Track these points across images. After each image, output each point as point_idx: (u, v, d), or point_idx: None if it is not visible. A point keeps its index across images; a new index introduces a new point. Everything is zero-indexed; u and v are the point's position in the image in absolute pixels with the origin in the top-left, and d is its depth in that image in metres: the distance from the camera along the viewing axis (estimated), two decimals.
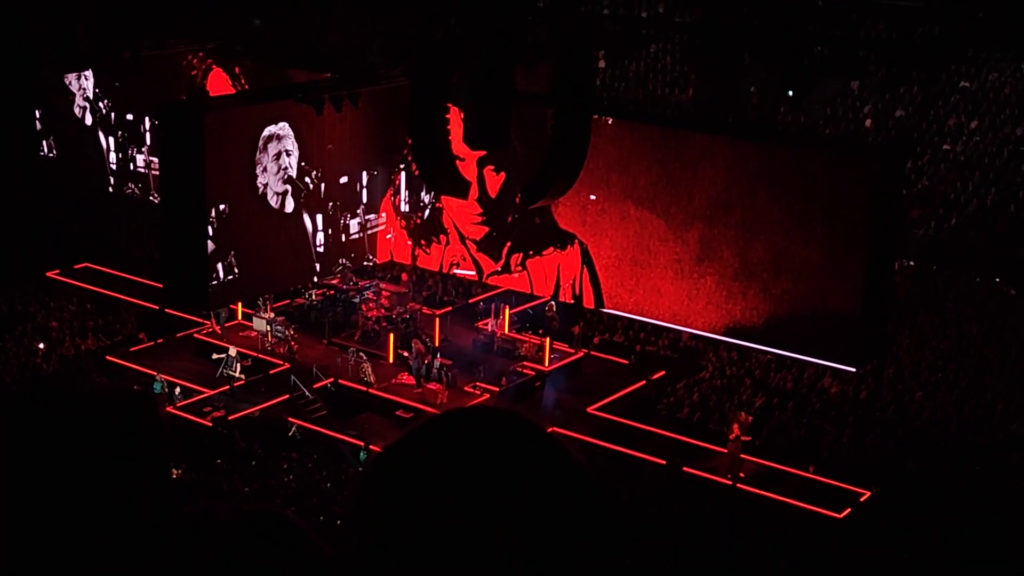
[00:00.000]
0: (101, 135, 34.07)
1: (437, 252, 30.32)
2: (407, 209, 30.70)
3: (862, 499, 24.03)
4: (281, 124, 27.20)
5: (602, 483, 1.74)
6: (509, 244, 29.18)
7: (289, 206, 27.89)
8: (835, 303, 24.15)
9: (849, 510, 23.74)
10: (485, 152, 28.04)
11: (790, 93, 30.92)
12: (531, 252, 28.97)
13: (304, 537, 2.08)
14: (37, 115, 34.62)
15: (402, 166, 30.28)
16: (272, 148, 27.14)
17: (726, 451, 24.94)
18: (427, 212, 30.30)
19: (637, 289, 27.13)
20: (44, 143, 35.09)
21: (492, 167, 28.67)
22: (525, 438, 1.73)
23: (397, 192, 30.61)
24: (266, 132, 26.95)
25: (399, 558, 1.67)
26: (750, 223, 25.02)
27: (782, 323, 25.02)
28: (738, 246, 25.26)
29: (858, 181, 23.54)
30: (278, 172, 27.34)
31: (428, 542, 1.66)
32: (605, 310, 28.27)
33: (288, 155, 27.49)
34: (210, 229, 26.01)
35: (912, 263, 32.39)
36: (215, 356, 28.05)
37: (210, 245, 26.04)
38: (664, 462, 25.05)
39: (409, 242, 30.69)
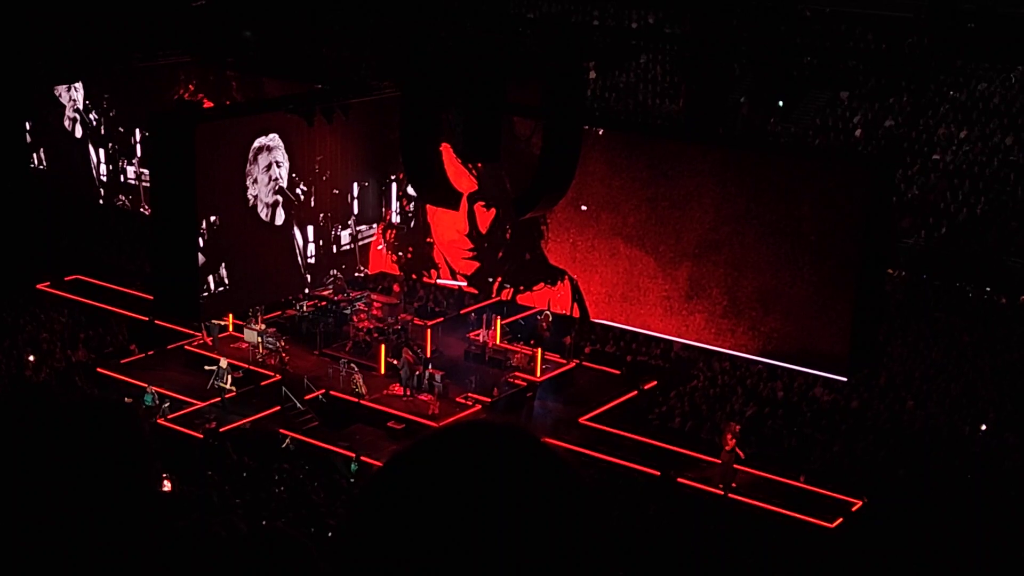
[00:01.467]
0: (91, 147, 34.03)
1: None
2: (398, 220, 30.77)
3: (854, 508, 24.04)
4: (271, 135, 27.21)
5: (602, 498, 1.75)
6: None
7: (280, 218, 27.89)
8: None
9: (841, 520, 23.74)
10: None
11: (780, 104, 31.06)
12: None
13: (304, 553, 2.08)
14: (28, 127, 34.58)
15: (393, 177, 30.33)
16: (262, 160, 27.13)
17: (719, 461, 24.94)
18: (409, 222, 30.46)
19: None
20: (34, 155, 35.04)
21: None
22: (526, 453, 1.74)
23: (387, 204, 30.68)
24: (256, 143, 26.96)
25: (398, 570, 1.67)
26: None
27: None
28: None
29: (846, 206, 23.64)
30: (268, 183, 27.35)
31: (427, 555, 1.65)
32: (597, 320, 28.35)
33: (278, 166, 27.49)
34: (201, 241, 26.00)
35: (903, 272, 32.46)
36: (207, 368, 28.00)
37: (201, 257, 26.03)
38: (659, 473, 25.04)
39: (388, 252, 30.82)
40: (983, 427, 24.53)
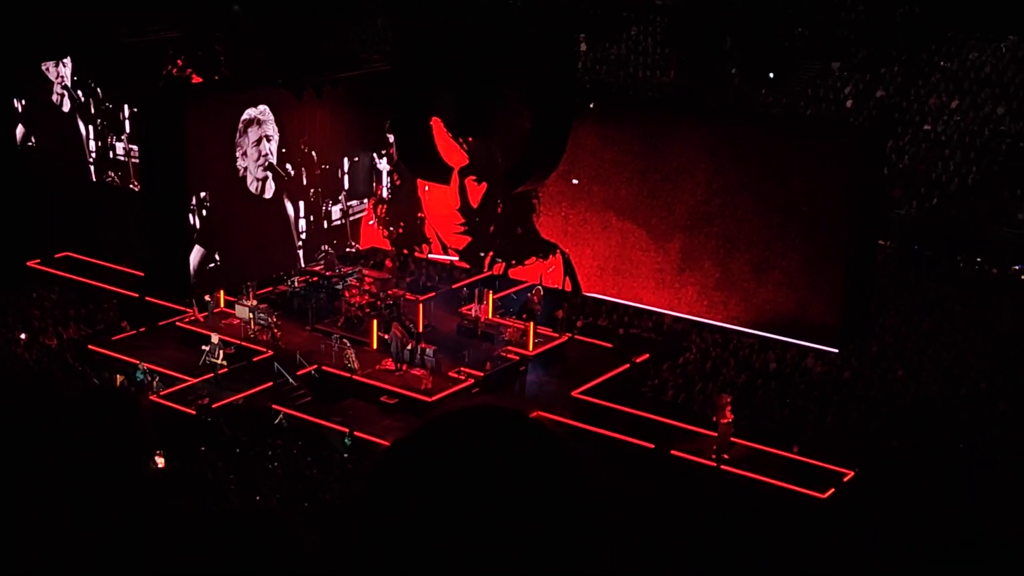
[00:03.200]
0: (80, 123, 33.88)
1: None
2: (387, 195, 30.73)
3: (846, 479, 24.13)
4: (261, 107, 27.07)
5: (603, 481, 1.75)
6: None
7: (269, 192, 27.81)
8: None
9: (833, 490, 23.83)
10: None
11: (771, 75, 30.95)
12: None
13: (291, 533, 2.07)
14: (15, 104, 34.41)
15: (383, 152, 30.26)
16: (252, 133, 27.02)
17: (716, 434, 24.99)
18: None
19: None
20: (23, 132, 34.88)
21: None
22: (529, 437, 1.74)
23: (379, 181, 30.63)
24: (245, 115, 26.83)
25: (402, 554, 1.66)
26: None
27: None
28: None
29: (837, 177, 23.61)
30: (258, 159, 27.25)
31: (431, 541, 1.65)
32: (589, 294, 28.37)
33: (268, 140, 27.39)
34: (192, 217, 25.94)
35: (894, 243, 32.48)
36: (204, 348, 27.95)
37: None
38: (652, 446, 25.09)
39: (379, 227, 30.82)
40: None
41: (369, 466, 1.78)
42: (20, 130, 34.81)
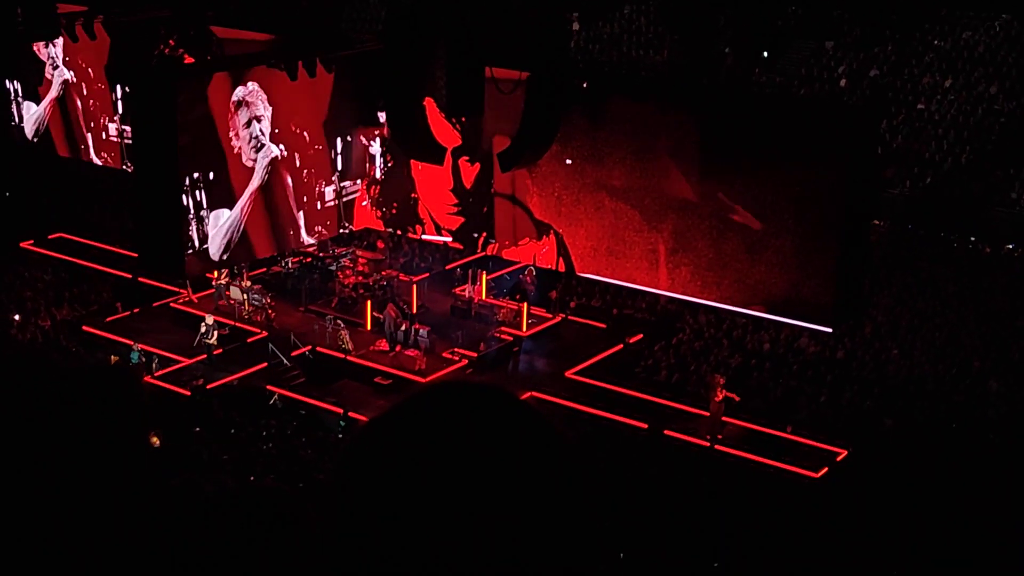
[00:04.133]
0: (70, 105, 33.77)
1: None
2: (380, 176, 30.69)
3: (839, 458, 24.20)
4: (250, 85, 26.99)
5: (587, 455, 1.74)
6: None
7: (262, 174, 27.77)
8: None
9: (826, 469, 23.90)
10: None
11: (764, 54, 30.89)
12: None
13: (298, 511, 2.07)
14: (8, 85, 34.29)
15: (376, 132, 30.21)
16: (243, 115, 26.97)
17: (709, 413, 25.05)
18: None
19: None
20: (16, 112, 34.77)
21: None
22: (506, 412, 1.73)
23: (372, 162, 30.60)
24: (235, 96, 26.77)
25: (381, 531, 1.66)
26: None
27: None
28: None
29: (830, 157, 23.60)
30: (250, 140, 27.20)
31: (410, 516, 1.65)
32: (583, 274, 28.40)
33: (259, 121, 27.32)
34: (185, 197, 25.90)
35: (888, 223, 32.51)
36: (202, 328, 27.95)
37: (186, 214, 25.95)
38: (646, 426, 25.14)
39: (372, 207, 30.81)
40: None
41: (344, 445, 1.77)
42: (29, 111, 34.61)
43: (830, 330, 26.50)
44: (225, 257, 27.83)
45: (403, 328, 27.66)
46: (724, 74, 27.06)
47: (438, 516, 1.64)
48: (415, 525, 1.65)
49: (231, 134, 26.72)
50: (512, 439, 1.70)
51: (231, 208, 27.20)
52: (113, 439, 2.01)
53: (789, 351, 27.82)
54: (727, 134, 24.94)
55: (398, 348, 27.39)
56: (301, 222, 29.19)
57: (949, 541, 20.75)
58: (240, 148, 27.10)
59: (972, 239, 32.40)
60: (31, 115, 34.59)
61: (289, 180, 28.56)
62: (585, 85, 26.91)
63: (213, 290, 29.62)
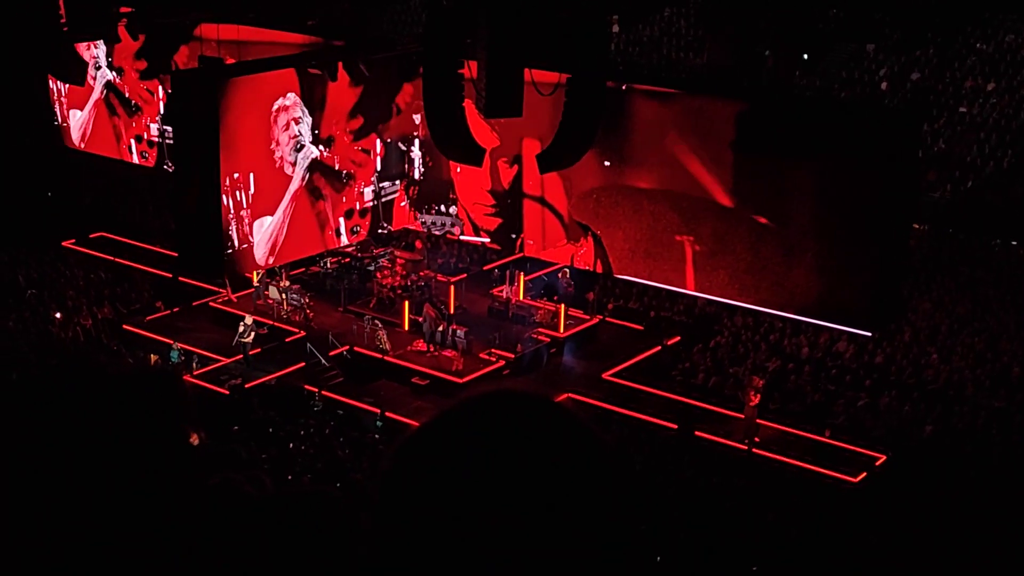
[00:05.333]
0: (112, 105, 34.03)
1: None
2: (419, 176, 30.76)
3: (878, 463, 24.05)
4: (288, 95, 27.20)
5: (628, 461, 1.75)
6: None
7: (302, 175, 27.89)
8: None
9: (865, 474, 23.76)
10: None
11: (805, 56, 30.73)
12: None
13: (338, 513, 2.09)
14: (52, 85, 34.59)
15: (415, 134, 30.28)
16: (282, 119, 27.16)
17: (743, 416, 24.96)
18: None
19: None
20: (59, 112, 35.08)
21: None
22: (550, 421, 1.74)
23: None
24: (275, 105, 26.98)
25: (427, 538, 1.68)
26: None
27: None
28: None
29: (871, 160, 23.43)
30: (289, 143, 27.36)
31: (456, 523, 1.66)
32: (620, 276, 28.35)
33: (297, 123, 27.46)
34: (225, 197, 26.06)
35: (928, 226, 32.26)
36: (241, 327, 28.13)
37: (226, 213, 26.10)
38: (676, 426, 25.08)
39: (411, 208, 30.89)
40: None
41: (392, 450, 1.78)
42: (75, 117, 34.87)
43: (869, 334, 26.32)
44: (271, 261, 28.09)
45: (440, 328, 27.72)
46: (765, 77, 26.94)
47: (484, 525, 1.65)
48: (461, 532, 1.65)
49: (272, 144, 26.91)
50: (559, 449, 1.71)
51: (272, 214, 27.39)
52: (157, 442, 2.05)
53: (827, 355, 27.67)
54: (767, 137, 24.81)
55: (434, 349, 27.44)
56: (340, 223, 29.31)
57: (988, 548, 20.57)
58: (281, 154, 27.26)
59: (1013, 243, 32.08)
60: (76, 120, 34.88)
61: (328, 181, 28.67)
62: (624, 87, 26.86)
63: (252, 290, 29.81)
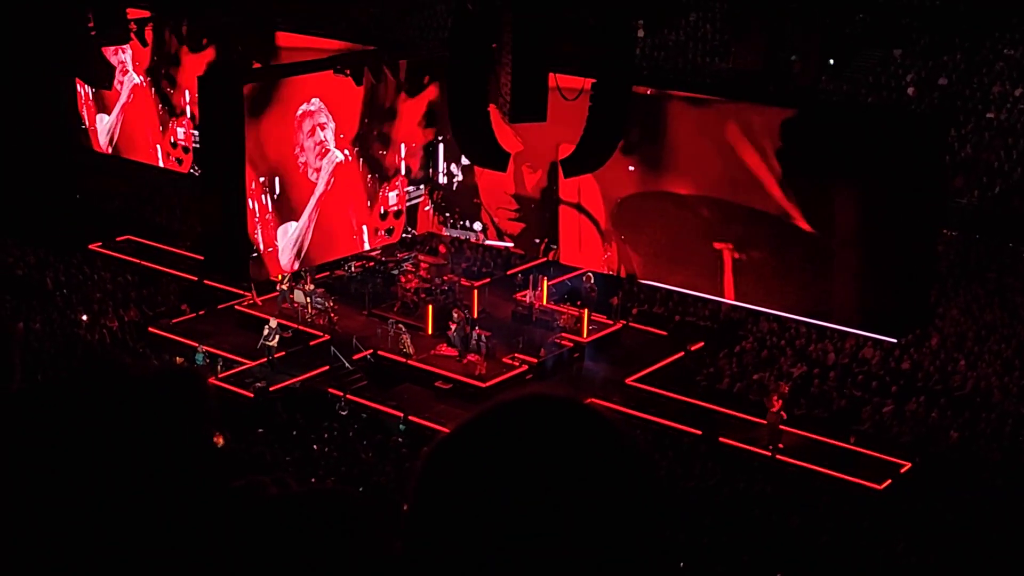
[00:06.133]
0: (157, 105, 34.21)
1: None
2: (444, 181, 30.80)
3: (903, 470, 23.92)
4: (313, 100, 27.29)
5: (660, 471, 1.74)
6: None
7: (327, 179, 27.97)
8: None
9: (890, 481, 23.64)
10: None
11: (831, 61, 30.65)
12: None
13: (365, 515, 2.07)
14: (79, 88, 34.80)
15: (440, 137, 30.32)
16: (307, 125, 27.26)
17: (766, 422, 24.87)
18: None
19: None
20: (86, 116, 35.29)
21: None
22: (586, 425, 1.72)
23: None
24: (299, 111, 27.07)
25: (458, 545, 1.67)
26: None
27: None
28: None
29: (898, 165, 23.33)
30: (314, 148, 27.45)
31: (488, 530, 1.65)
32: (645, 281, 28.31)
33: (323, 128, 27.55)
34: (251, 201, 26.16)
35: (955, 233, 32.07)
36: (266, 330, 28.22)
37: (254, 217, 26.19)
38: (699, 432, 25.02)
39: (435, 213, 30.94)
40: None
41: (427, 453, 1.77)
42: (102, 122, 35.05)
43: (895, 340, 26.19)
44: (297, 266, 28.19)
45: (466, 332, 27.74)
46: (791, 81, 26.88)
47: (519, 531, 1.64)
48: (496, 537, 1.64)
49: (296, 149, 27.01)
50: (597, 456, 1.70)
51: (297, 219, 27.48)
52: (179, 442, 2.04)
53: (854, 361, 27.55)
54: (793, 141, 24.76)
55: (465, 354, 27.45)
56: (364, 227, 29.37)
57: (1014, 555, 20.43)
58: (305, 160, 27.36)
59: None
60: (104, 125, 35.09)
61: (353, 185, 28.75)
62: (649, 92, 26.83)
63: (277, 293, 29.91)
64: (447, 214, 31.01)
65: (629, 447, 1.72)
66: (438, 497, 1.70)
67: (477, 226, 30.35)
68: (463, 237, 30.73)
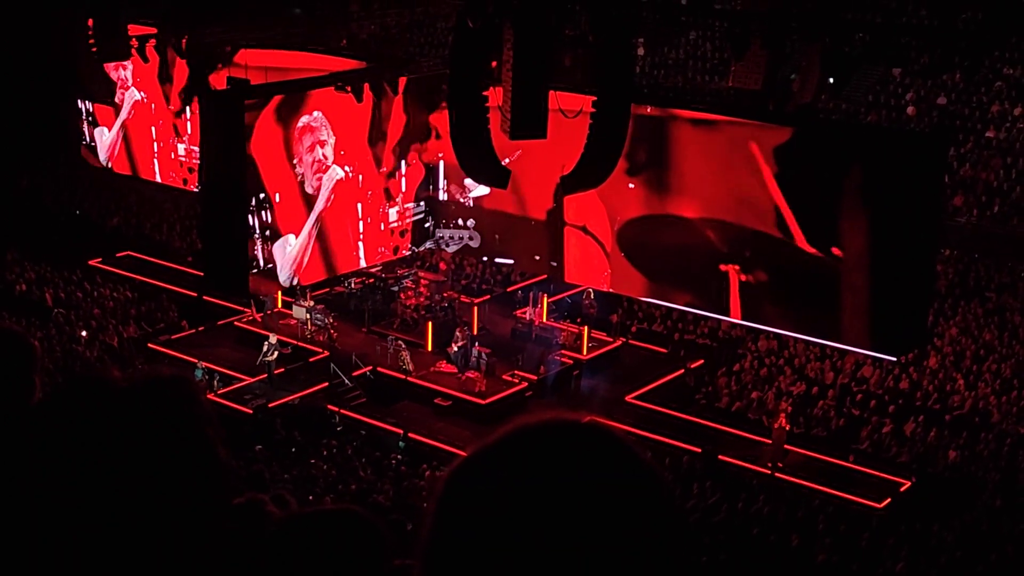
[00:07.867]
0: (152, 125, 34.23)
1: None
2: (444, 198, 30.79)
3: (902, 489, 23.89)
4: (315, 114, 27.28)
5: (676, 494, 1.73)
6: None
7: (326, 196, 27.96)
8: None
9: (889, 500, 23.61)
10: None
11: (831, 80, 30.68)
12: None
13: (369, 532, 2.07)
14: (80, 105, 34.82)
15: (440, 155, 30.34)
16: (307, 140, 27.25)
17: (771, 440, 24.84)
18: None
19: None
20: (87, 132, 35.32)
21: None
22: (607, 451, 1.72)
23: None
24: (299, 124, 27.06)
25: (485, 570, 1.65)
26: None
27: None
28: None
29: (897, 185, 23.30)
30: (313, 164, 27.46)
31: (510, 555, 1.63)
32: (644, 299, 28.27)
33: (322, 145, 27.57)
34: (251, 218, 26.16)
35: (954, 252, 32.09)
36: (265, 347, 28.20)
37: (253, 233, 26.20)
38: (699, 450, 24.99)
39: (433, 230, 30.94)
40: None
41: (446, 477, 1.75)
42: (102, 137, 35.05)
43: (894, 359, 26.16)
44: (295, 282, 28.17)
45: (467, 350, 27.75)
46: (791, 100, 26.91)
47: (541, 554, 1.63)
48: (518, 560, 1.63)
49: (295, 160, 27.00)
50: (617, 480, 1.69)
51: (297, 235, 27.46)
52: (176, 452, 2.03)
53: (852, 379, 27.53)
54: (791, 160, 24.76)
55: (464, 372, 27.43)
56: (363, 244, 29.37)
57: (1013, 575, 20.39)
58: (304, 174, 27.37)
59: None
60: (104, 140, 35.11)
61: (352, 202, 28.75)
62: (649, 111, 26.86)
63: (287, 311, 29.95)
64: (441, 220, 30.92)
65: (653, 476, 1.71)
66: (461, 521, 1.68)
67: (471, 223, 30.23)
68: (456, 240, 30.55)
